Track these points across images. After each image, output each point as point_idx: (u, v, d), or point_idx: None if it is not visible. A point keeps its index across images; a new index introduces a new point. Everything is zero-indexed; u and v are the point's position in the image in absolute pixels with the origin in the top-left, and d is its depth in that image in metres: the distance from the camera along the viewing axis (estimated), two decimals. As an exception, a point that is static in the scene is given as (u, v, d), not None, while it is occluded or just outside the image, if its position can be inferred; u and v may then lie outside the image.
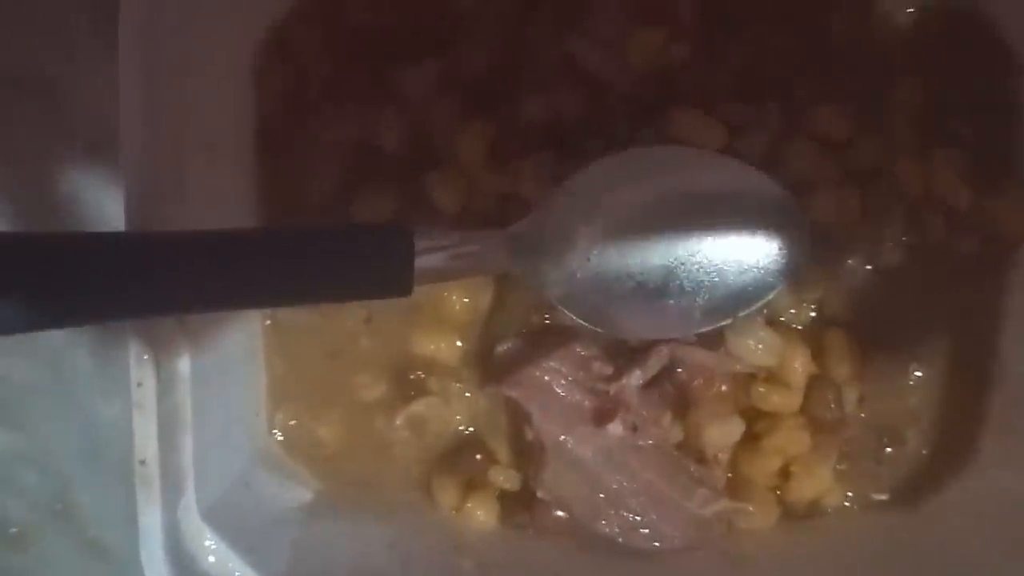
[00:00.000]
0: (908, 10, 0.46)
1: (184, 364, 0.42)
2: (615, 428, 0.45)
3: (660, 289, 0.42)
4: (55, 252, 0.31)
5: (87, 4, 0.54)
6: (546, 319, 0.47)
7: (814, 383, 0.47)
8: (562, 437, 0.45)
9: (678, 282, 0.42)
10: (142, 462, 0.40)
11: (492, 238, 0.40)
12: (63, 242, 0.32)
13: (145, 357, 0.41)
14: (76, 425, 0.59)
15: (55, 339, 0.57)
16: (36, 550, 0.61)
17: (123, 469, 0.57)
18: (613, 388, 0.45)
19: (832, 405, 0.47)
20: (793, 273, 0.42)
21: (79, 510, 0.60)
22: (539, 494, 0.46)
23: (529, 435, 0.46)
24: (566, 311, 0.42)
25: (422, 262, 0.38)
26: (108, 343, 0.57)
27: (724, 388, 0.46)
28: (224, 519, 0.44)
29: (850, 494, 0.48)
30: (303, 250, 0.35)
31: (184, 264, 0.33)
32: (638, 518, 0.45)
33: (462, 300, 0.47)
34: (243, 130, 0.47)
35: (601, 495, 0.45)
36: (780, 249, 0.42)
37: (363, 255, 0.37)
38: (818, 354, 0.46)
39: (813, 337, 0.47)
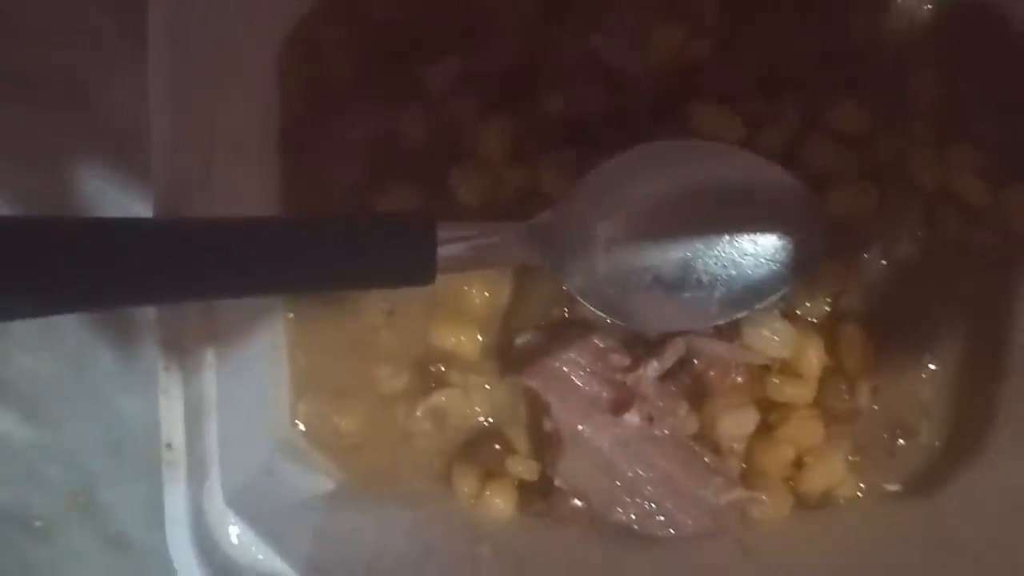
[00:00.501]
0: (927, 6, 0.47)
1: (210, 353, 0.43)
2: (632, 418, 0.46)
3: (678, 282, 0.42)
4: (81, 236, 0.32)
5: (115, 5, 0.54)
6: (565, 312, 0.48)
7: (828, 375, 0.47)
8: (580, 427, 0.46)
9: (696, 275, 0.42)
10: (168, 446, 0.41)
11: (513, 229, 0.41)
12: (87, 227, 0.33)
13: (171, 344, 0.41)
14: (100, 420, 0.60)
15: (79, 334, 0.58)
16: (61, 543, 0.61)
17: (146, 463, 0.59)
18: (630, 379, 0.46)
19: (845, 397, 0.47)
20: (809, 267, 0.43)
21: (103, 504, 0.61)
22: (556, 483, 0.47)
23: (547, 425, 0.47)
24: (585, 303, 0.43)
25: (444, 251, 0.38)
26: (132, 339, 0.58)
27: (739, 379, 0.47)
28: (248, 505, 0.44)
29: (862, 485, 0.49)
30: (327, 237, 0.36)
31: (209, 249, 0.34)
32: (654, 506, 0.45)
33: (482, 293, 0.48)
34: (268, 128, 0.48)
35: (618, 484, 0.46)
36: (796, 243, 0.43)
37: (386, 243, 0.37)
38: (832, 346, 0.47)
39: (828, 330, 0.47)
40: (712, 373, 0.46)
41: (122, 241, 0.34)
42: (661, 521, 0.46)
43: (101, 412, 0.59)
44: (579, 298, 0.43)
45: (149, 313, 0.50)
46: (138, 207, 0.54)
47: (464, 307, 0.48)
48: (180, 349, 0.42)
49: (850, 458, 0.48)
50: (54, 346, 0.58)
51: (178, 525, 0.42)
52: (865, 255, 0.47)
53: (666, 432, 0.46)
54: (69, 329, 0.58)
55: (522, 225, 0.41)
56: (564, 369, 0.46)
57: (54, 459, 0.60)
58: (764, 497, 0.47)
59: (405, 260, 0.37)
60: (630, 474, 0.45)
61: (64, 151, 0.56)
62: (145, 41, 0.40)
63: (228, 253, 0.34)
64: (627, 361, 0.46)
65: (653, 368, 0.46)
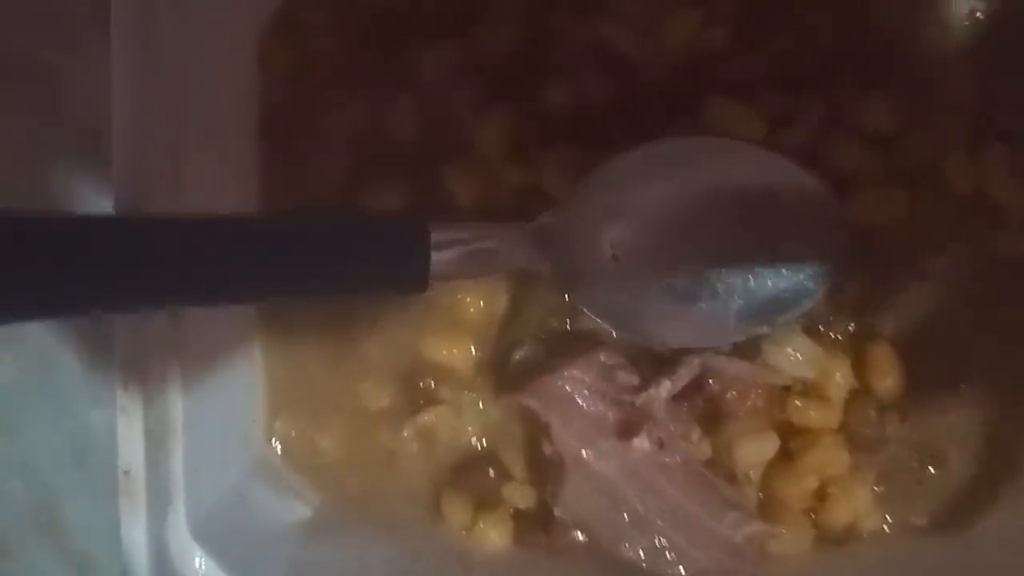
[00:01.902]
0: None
1: (174, 367, 0.39)
2: (641, 443, 0.42)
3: (692, 293, 0.40)
4: (24, 233, 0.28)
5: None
6: (567, 324, 0.44)
7: (854, 398, 0.44)
8: (583, 452, 0.42)
9: (711, 286, 0.40)
10: (126, 472, 0.37)
11: (513, 233, 0.38)
12: (31, 223, 0.29)
13: (132, 358, 0.37)
14: (64, 430, 0.56)
15: (42, 339, 0.54)
16: (19, 562, 0.58)
17: (112, 478, 0.55)
18: (639, 400, 0.43)
19: (873, 422, 0.44)
20: (834, 278, 0.41)
21: (65, 521, 0.58)
22: (557, 513, 0.43)
23: (547, 449, 0.43)
24: (590, 314, 0.41)
25: (438, 256, 0.35)
26: (98, 344, 0.55)
27: (758, 402, 0.43)
28: (215, 535, 0.41)
29: (889, 518, 0.45)
30: (307, 238, 0.33)
31: (177, 249, 0.30)
32: (664, 541, 0.42)
33: (477, 302, 0.45)
34: (246, 116, 0.45)
35: (624, 515, 0.42)
36: (820, 252, 0.40)
37: (374, 246, 0.34)
38: (859, 366, 0.44)
39: (854, 348, 0.44)
40: (729, 395, 0.43)
41: (72, 240, 0.30)
42: (672, 558, 0.42)
43: (65, 422, 0.56)
44: (583, 309, 0.40)
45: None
46: (107, 203, 0.50)
47: (457, 317, 0.45)
48: (141, 364, 0.38)
49: (875, 488, 0.45)
50: (14, 350, 0.55)
51: (138, 560, 0.39)
52: (894, 265, 0.44)
53: (678, 459, 0.43)
54: (30, 331, 0.54)
55: (522, 227, 0.38)
56: (566, 388, 0.43)
57: (14, 473, 0.57)
58: (783, 530, 0.44)
59: (395, 265, 0.34)
60: (639, 505, 0.42)
61: (33, 141, 0.52)
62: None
63: (195, 255, 0.31)
64: (636, 380, 0.43)
65: (665, 388, 0.42)
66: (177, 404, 0.40)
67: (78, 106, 0.52)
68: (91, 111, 0.51)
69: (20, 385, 0.56)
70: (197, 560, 0.40)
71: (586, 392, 0.43)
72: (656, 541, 0.42)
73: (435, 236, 0.35)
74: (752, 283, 0.40)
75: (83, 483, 0.57)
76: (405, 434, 0.46)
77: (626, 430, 0.43)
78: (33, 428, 0.57)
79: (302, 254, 0.33)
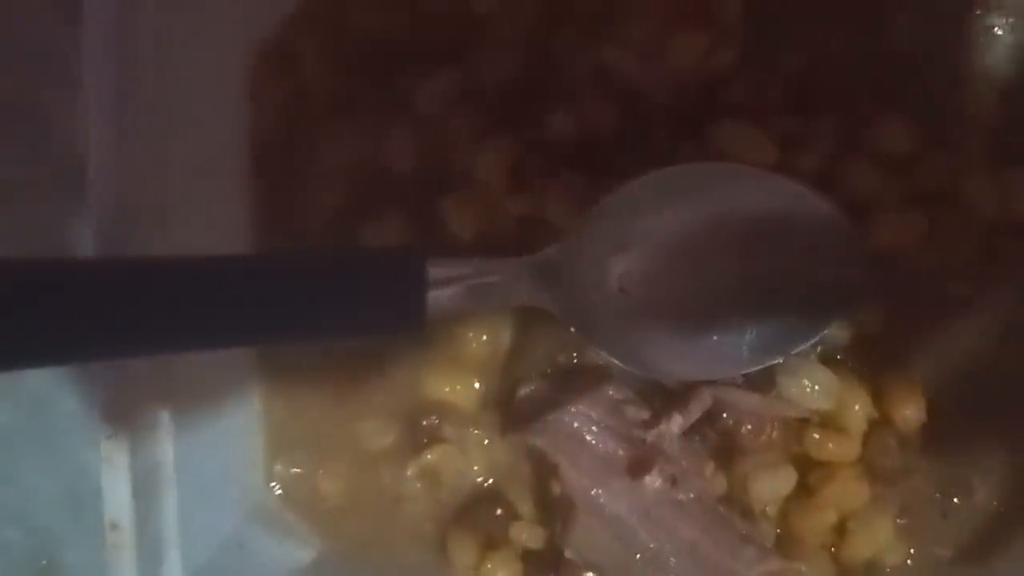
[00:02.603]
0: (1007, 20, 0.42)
1: (164, 410, 0.37)
2: (653, 481, 0.41)
3: (702, 324, 0.38)
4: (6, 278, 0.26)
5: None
6: (574, 358, 0.43)
7: (874, 428, 0.42)
8: (593, 491, 0.41)
9: (722, 317, 0.38)
10: (114, 526, 0.35)
11: (515, 267, 0.37)
12: (17, 266, 0.27)
13: (116, 402, 0.36)
14: (61, 475, 0.55)
15: (37, 382, 0.53)
16: (24, 617, 0.56)
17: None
18: (650, 436, 0.41)
19: (894, 452, 0.42)
20: (851, 306, 0.40)
21: (66, 569, 0.56)
22: (567, 554, 0.42)
23: (556, 489, 0.42)
24: (598, 349, 0.39)
25: (436, 293, 0.34)
26: (96, 385, 0.53)
27: (774, 435, 0.41)
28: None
29: (912, 551, 0.43)
30: (301, 276, 0.31)
31: (161, 293, 0.28)
32: (678, 582, 0.40)
33: (480, 337, 0.43)
34: (236, 150, 0.43)
35: (637, 556, 0.40)
36: (837, 279, 0.38)
37: (369, 283, 0.33)
38: (879, 396, 0.42)
39: (873, 377, 0.42)
40: (744, 429, 0.42)
41: (50, 285, 0.28)
42: (688, 600, 0.40)
43: (62, 467, 0.54)
44: (590, 343, 0.39)
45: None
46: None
47: (460, 352, 0.43)
48: (127, 408, 0.36)
49: (898, 521, 0.43)
50: (8, 392, 0.53)
51: None
52: (914, 292, 0.42)
53: (691, 495, 0.41)
54: (25, 375, 0.53)
55: (524, 262, 0.37)
56: (574, 424, 0.41)
57: (11, 520, 0.55)
58: (802, 568, 0.42)
59: (391, 305, 0.32)
60: (652, 544, 0.40)
61: (17, 180, 0.51)
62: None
63: (181, 299, 0.29)
64: (646, 415, 0.42)
65: (676, 423, 0.41)
66: (168, 449, 0.38)
67: (67, 144, 0.50)
68: (81, 150, 0.51)
69: (15, 430, 0.54)
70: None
71: (594, 429, 0.41)
72: (669, 582, 0.40)
73: (433, 272, 0.33)
74: (766, 313, 0.38)
75: (81, 529, 0.55)
76: (408, 474, 0.44)
77: (637, 467, 0.41)
78: (30, 474, 0.55)
79: (294, 294, 0.31)
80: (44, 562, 0.56)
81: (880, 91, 0.42)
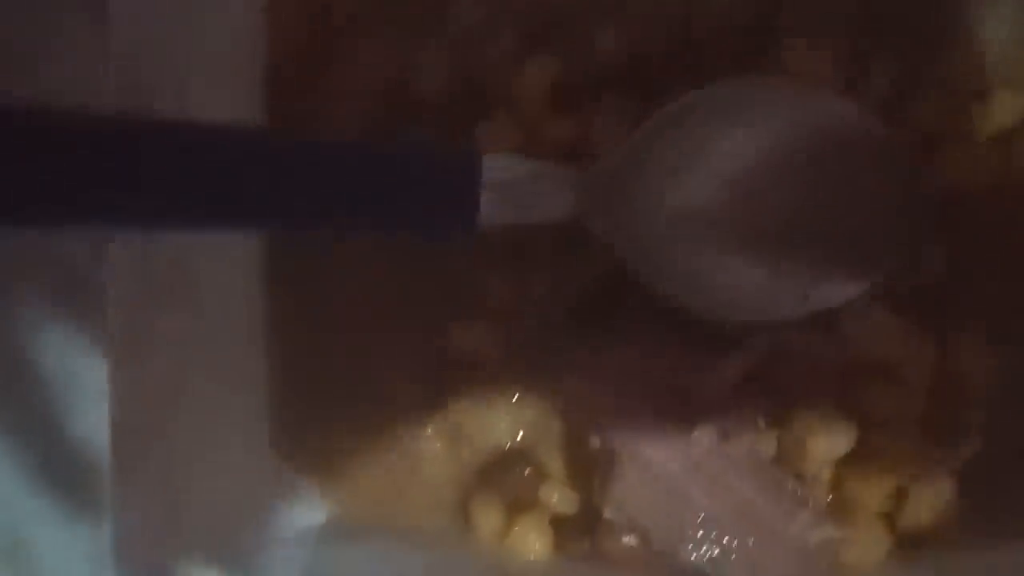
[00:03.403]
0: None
1: (174, 325, 0.34)
2: (703, 434, 0.37)
3: (759, 260, 0.36)
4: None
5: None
6: (616, 301, 0.39)
7: (939, 384, 0.39)
8: (638, 444, 0.38)
9: (781, 252, 0.36)
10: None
11: (568, 176, 0.34)
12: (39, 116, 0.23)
13: (124, 322, 0.33)
14: (36, 442, 0.50)
15: (16, 334, 0.49)
16: (-22, 596, 0.52)
17: (90, 498, 0.50)
18: (700, 385, 0.38)
19: (960, 411, 0.39)
20: (915, 248, 0.37)
21: (30, 548, 0.50)
22: (606, 514, 0.38)
23: (595, 442, 0.39)
24: (648, 283, 0.36)
25: (487, 196, 0.31)
26: (82, 342, 0.49)
27: (832, 388, 0.38)
28: (220, 545, 0.36)
29: (975, 521, 0.40)
30: (346, 158, 0.27)
31: (191, 157, 0.24)
32: (733, 543, 0.37)
33: (509, 281, 0.40)
34: (249, 69, 0.40)
35: (687, 514, 0.37)
36: (901, 217, 0.36)
37: (420, 175, 0.30)
38: (945, 348, 0.39)
39: (938, 327, 0.39)
40: (800, 379, 0.38)
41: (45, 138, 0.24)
42: (740, 563, 0.37)
43: (38, 433, 0.48)
44: (639, 276, 0.36)
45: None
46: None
47: (487, 295, 0.40)
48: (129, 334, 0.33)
49: (960, 487, 0.40)
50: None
51: (128, 566, 0.35)
52: (985, 236, 0.39)
53: (743, 452, 0.37)
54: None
55: (577, 172, 0.34)
56: (617, 372, 0.38)
57: (-33, 493, 0.50)
58: (857, 535, 0.39)
59: (441, 200, 0.29)
60: (704, 502, 0.37)
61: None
62: None
63: (216, 166, 0.25)
64: (696, 362, 0.38)
65: (729, 371, 0.38)
66: (173, 379, 0.34)
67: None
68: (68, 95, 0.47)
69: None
70: (196, 568, 0.35)
71: (639, 377, 0.38)
72: (723, 542, 0.37)
73: (487, 171, 0.31)
74: (826, 251, 0.36)
75: (56, 504, 0.50)
76: (428, 432, 0.41)
77: (686, 419, 0.38)
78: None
79: (338, 176, 0.28)
80: (8, 543, 0.52)
81: (951, 19, 0.39)
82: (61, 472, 0.49)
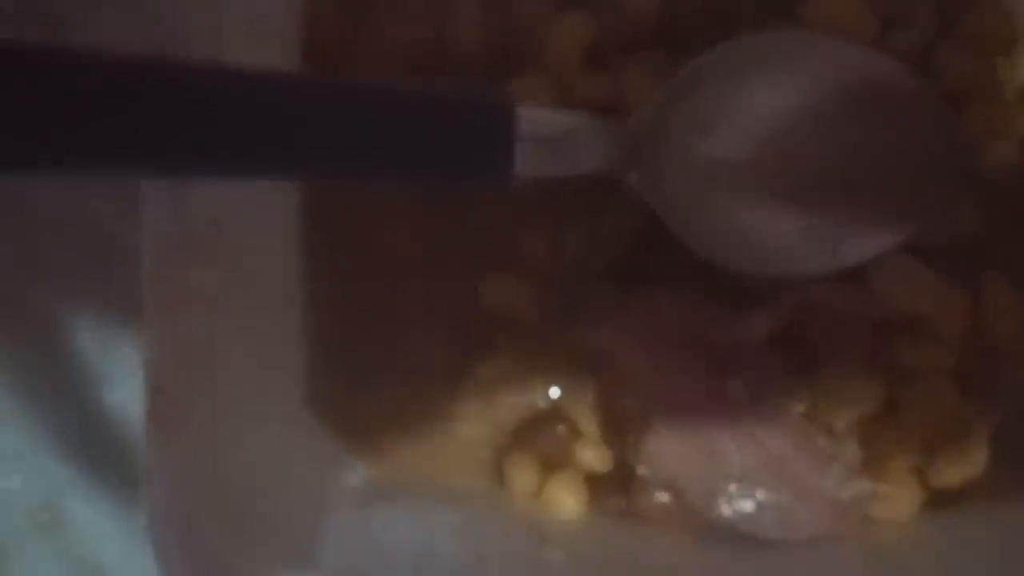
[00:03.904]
0: None
1: (208, 282, 0.34)
2: (735, 388, 0.38)
3: (791, 212, 0.36)
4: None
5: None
6: (649, 257, 0.40)
7: (970, 337, 0.39)
8: (672, 400, 0.38)
9: (813, 205, 0.36)
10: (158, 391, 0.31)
11: (608, 128, 0.34)
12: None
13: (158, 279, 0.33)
14: (71, 417, 0.51)
15: (49, 310, 0.49)
16: (15, 568, 0.53)
17: (124, 470, 0.51)
18: (731, 340, 0.38)
19: (993, 367, 0.39)
20: (947, 201, 0.37)
21: (69, 520, 0.52)
22: (640, 471, 0.39)
23: (628, 400, 0.39)
24: (680, 237, 0.36)
25: (522, 147, 0.31)
26: (114, 316, 0.50)
27: (862, 341, 0.39)
28: (256, 504, 0.36)
29: (1004, 479, 0.40)
30: (377, 107, 0.27)
31: (211, 102, 0.24)
32: (768, 498, 0.37)
33: (542, 237, 0.40)
34: (288, 25, 0.40)
35: (721, 469, 0.37)
36: (933, 170, 0.36)
37: (455, 122, 0.30)
38: (976, 300, 0.39)
39: (970, 281, 0.39)
40: (830, 334, 0.38)
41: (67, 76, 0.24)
42: (774, 518, 0.37)
43: (72, 407, 0.51)
44: (671, 229, 0.36)
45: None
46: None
47: (521, 253, 0.40)
48: (169, 287, 0.33)
49: (993, 443, 0.40)
50: (15, 325, 0.49)
51: (164, 531, 0.34)
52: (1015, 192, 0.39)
53: (774, 406, 0.37)
54: (34, 301, 0.49)
55: (616, 125, 0.34)
56: (649, 329, 0.38)
57: (11, 466, 0.51)
58: (888, 492, 0.39)
59: (476, 147, 0.30)
60: (737, 457, 0.37)
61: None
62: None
63: (254, 110, 0.25)
64: (728, 317, 0.38)
65: (760, 325, 0.38)
66: (208, 337, 0.35)
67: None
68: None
69: (21, 367, 0.51)
70: (234, 533, 0.35)
71: (672, 332, 0.38)
72: (757, 497, 0.37)
73: (522, 120, 0.31)
74: (858, 203, 0.36)
75: (90, 477, 0.51)
76: (463, 392, 0.41)
77: (718, 375, 0.38)
78: (35, 415, 0.51)
79: (370, 125, 0.28)
80: (45, 515, 0.53)
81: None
82: (97, 443, 0.50)
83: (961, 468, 0.40)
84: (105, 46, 0.24)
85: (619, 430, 0.40)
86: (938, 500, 0.40)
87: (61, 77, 0.23)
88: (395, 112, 0.28)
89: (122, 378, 0.51)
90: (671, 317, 0.38)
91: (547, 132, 0.32)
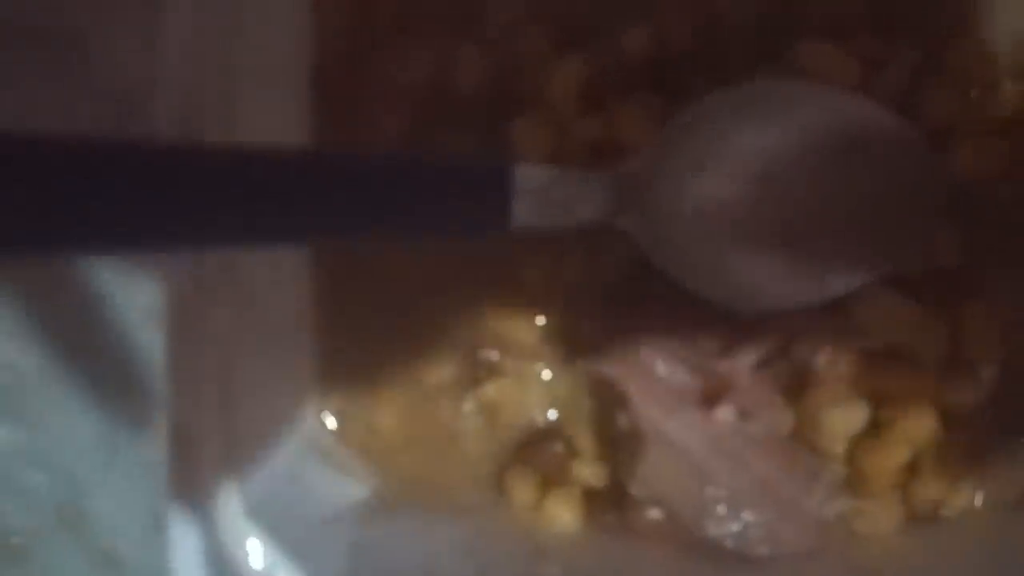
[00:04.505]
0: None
1: (224, 323, 0.36)
2: (724, 413, 0.39)
3: (779, 250, 0.37)
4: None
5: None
6: (644, 286, 0.41)
7: (949, 362, 0.40)
8: (664, 422, 0.40)
9: (799, 242, 0.37)
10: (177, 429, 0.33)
11: (600, 180, 0.35)
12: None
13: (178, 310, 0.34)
14: (92, 417, 0.53)
15: (71, 316, 0.51)
16: (40, 562, 0.55)
17: (144, 469, 0.53)
18: (722, 366, 0.40)
19: (970, 389, 0.41)
20: (929, 235, 0.39)
21: (92, 516, 0.54)
22: (633, 490, 0.40)
23: (622, 421, 0.40)
24: (673, 274, 0.37)
25: (519, 203, 0.32)
26: (133, 325, 0.51)
27: (846, 367, 0.40)
28: (269, 517, 0.38)
29: (983, 494, 0.42)
30: (388, 175, 0.29)
31: (235, 179, 0.26)
32: (752, 517, 0.39)
33: (544, 265, 0.42)
34: (297, 69, 0.41)
35: (709, 490, 0.39)
36: (915, 206, 0.38)
37: (455, 184, 0.31)
38: (955, 328, 0.40)
39: (950, 310, 0.40)
40: (814, 360, 0.40)
41: (89, 164, 0.26)
42: (760, 537, 0.39)
43: (93, 410, 0.52)
44: (663, 267, 0.37)
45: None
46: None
47: (522, 281, 0.42)
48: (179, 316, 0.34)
49: (970, 461, 0.41)
50: (41, 332, 0.51)
51: (184, 541, 0.36)
52: (994, 224, 0.41)
53: (762, 429, 0.39)
54: (59, 312, 0.51)
55: (609, 175, 0.35)
56: (645, 354, 0.40)
57: (36, 464, 0.54)
58: (871, 508, 0.41)
59: (474, 208, 0.31)
60: (725, 479, 0.39)
61: (62, 111, 0.49)
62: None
63: (255, 187, 0.27)
64: (718, 345, 0.40)
65: (749, 353, 0.40)
66: (225, 373, 0.36)
67: (109, 74, 0.49)
68: (122, 79, 0.49)
69: (45, 370, 0.52)
70: (251, 543, 0.37)
71: (666, 358, 0.40)
72: (743, 517, 0.39)
73: (519, 179, 0.32)
74: (843, 239, 0.38)
75: (112, 475, 0.54)
76: (466, 409, 0.43)
77: (708, 399, 0.40)
78: (58, 416, 0.53)
79: (375, 190, 0.30)
80: (69, 511, 0.55)
81: (962, 12, 0.40)
82: (117, 444, 0.51)
83: (941, 486, 0.41)
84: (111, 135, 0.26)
85: (615, 449, 0.42)
86: (917, 516, 0.42)
87: (74, 166, 0.25)
88: (395, 179, 0.30)
89: (140, 389, 0.53)
90: (665, 344, 0.40)
91: (543, 188, 0.33)
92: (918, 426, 0.40)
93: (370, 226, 0.30)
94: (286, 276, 0.40)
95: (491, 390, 0.43)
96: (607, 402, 0.41)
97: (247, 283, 0.36)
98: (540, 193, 0.33)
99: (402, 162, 0.31)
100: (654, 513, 0.41)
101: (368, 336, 0.43)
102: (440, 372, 0.43)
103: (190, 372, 0.36)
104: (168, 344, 0.34)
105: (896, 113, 0.37)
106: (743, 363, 0.40)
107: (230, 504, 0.37)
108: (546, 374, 0.43)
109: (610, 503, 0.42)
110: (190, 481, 0.36)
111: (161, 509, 0.37)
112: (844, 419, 0.40)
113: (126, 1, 0.48)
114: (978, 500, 0.42)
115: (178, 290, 0.34)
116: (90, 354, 0.52)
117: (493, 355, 0.43)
